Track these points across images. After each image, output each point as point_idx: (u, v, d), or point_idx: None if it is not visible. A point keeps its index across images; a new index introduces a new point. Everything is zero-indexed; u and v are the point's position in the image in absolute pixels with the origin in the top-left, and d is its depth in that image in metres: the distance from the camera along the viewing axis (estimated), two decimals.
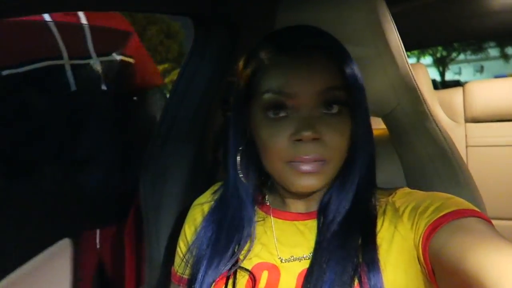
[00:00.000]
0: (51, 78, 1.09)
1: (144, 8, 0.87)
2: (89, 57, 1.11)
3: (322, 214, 0.60)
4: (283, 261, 0.58)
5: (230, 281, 0.58)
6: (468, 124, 1.79)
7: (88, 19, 1.12)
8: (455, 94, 1.81)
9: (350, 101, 0.55)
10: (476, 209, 0.50)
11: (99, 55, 1.11)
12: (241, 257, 0.60)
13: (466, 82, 1.97)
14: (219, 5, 0.81)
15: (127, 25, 1.23)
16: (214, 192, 0.70)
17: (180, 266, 0.67)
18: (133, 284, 1.02)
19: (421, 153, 0.78)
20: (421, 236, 0.50)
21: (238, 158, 0.62)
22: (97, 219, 1.16)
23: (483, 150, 1.70)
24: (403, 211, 0.55)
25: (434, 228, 0.48)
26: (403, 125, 0.79)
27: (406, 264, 0.52)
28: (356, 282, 0.51)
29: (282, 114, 0.55)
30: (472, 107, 1.75)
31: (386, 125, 0.84)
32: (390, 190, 0.61)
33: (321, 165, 0.54)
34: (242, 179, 0.62)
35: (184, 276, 0.67)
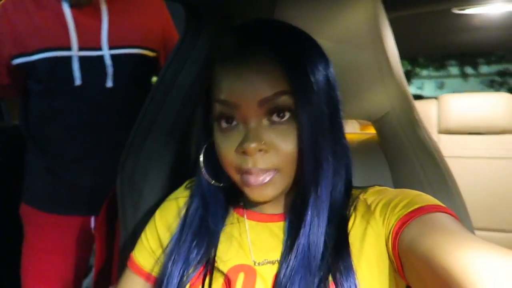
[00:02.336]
0: (57, 69, 1.05)
1: None
2: (100, 49, 1.07)
3: (290, 216, 0.59)
4: (257, 264, 0.57)
5: (206, 283, 0.56)
6: (441, 135, 1.84)
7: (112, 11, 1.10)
8: (430, 105, 1.86)
9: (298, 106, 0.52)
10: (443, 205, 0.51)
11: (111, 47, 1.08)
12: (217, 259, 0.58)
13: (427, 97, 2.08)
14: None
15: (163, 15, 1.20)
16: (188, 188, 0.68)
17: (149, 262, 0.65)
18: (100, 282, 0.97)
19: (412, 160, 0.78)
20: (391, 231, 0.51)
21: (201, 157, 0.61)
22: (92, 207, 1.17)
23: (454, 160, 1.75)
24: (375, 207, 0.55)
25: (403, 223, 0.49)
26: (395, 131, 0.79)
27: (378, 259, 0.52)
28: (328, 286, 0.51)
29: (234, 123, 0.54)
30: (447, 118, 1.80)
31: (377, 130, 0.83)
32: (361, 189, 0.61)
33: (272, 175, 0.54)
34: (208, 180, 0.61)
35: (152, 273, 0.64)
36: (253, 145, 0.52)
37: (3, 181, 1.40)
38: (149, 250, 0.66)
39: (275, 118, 0.53)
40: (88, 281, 1.85)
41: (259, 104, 0.52)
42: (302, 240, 0.53)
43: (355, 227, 0.56)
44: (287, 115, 0.53)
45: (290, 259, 0.53)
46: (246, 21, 0.58)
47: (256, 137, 0.52)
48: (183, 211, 0.65)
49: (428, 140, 0.78)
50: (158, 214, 0.68)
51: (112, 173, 1.10)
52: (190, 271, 0.58)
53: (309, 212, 0.53)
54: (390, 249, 0.51)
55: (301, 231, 0.53)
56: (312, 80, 0.53)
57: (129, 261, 0.67)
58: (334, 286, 0.51)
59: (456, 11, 1.42)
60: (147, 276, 0.65)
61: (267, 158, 0.53)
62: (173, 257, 0.59)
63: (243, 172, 0.54)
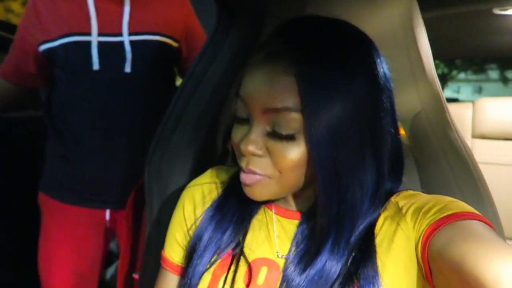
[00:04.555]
0: (77, 54, 1.08)
1: None
2: (120, 35, 1.09)
3: (308, 216, 0.58)
4: (280, 256, 0.57)
5: (232, 270, 0.57)
6: (475, 140, 1.78)
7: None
8: (465, 109, 1.81)
9: (306, 127, 0.49)
10: (478, 213, 0.49)
11: (131, 34, 1.09)
12: (245, 247, 0.58)
13: (462, 101, 2.01)
14: None
15: (186, 7, 1.22)
16: (215, 176, 0.68)
17: (175, 252, 0.65)
18: (125, 269, 0.99)
19: (441, 163, 0.76)
20: (422, 236, 0.50)
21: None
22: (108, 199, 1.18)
23: (487, 167, 1.69)
24: (407, 211, 0.54)
25: (434, 229, 0.48)
26: (425, 132, 0.77)
27: (407, 262, 0.51)
28: None
29: (246, 118, 0.53)
30: (481, 123, 1.74)
31: (406, 130, 0.81)
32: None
33: (261, 179, 0.53)
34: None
35: (178, 263, 0.65)
36: (248, 148, 0.51)
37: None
38: (178, 242, 0.66)
39: (279, 130, 0.50)
40: (112, 269, 1.90)
41: (264, 111, 0.51)
42: (318, 264, 0.51)
43: (384, 228, 0.55)
44: (290, 131, 0.50)
45: (294, 280, 0.52)
46: (293, 19, 0.55)
47: (253, 141, 0.52)
48: (211, 197, 0.65)
49: (460, 143, 0.76)
50: (184, 201, 0.68)
51: (127, 164, 1.14)
52: (216, 257, 0.58)
53: (327, 247, 0.52)
54: (420, 254, 0.50)
55: (318, 258, 0.52)
56: (332, 100, 0.48)
57: (162, 260, 0.68)
58: None
59: (497, 11, 1.37)
60: (181, 271, 0.66)
61: (260, 163, 0.52)
62: (202, 241, 0.59)
63: (240, 167, 0.55)
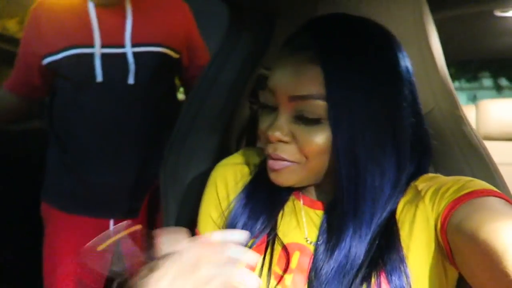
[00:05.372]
0: (80, 66, 1.08)
1: None
2: (123, 46, 1.09)
3: (332, 206, 0.59)
4: (309, 242, 0.58)
5: (268, 252, 0.58)
6: None
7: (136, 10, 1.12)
8: (468, 112, 1.82)
9: (329, 113, 0.51)
10: (497, 190, 0.50)
11: (134, 45, 1.10)
12: (279, 231, 0.60)
13: None
14: None
15: (187, 19, 1.22)
16: (247, 157, 0.69)
17: (209, 229, 0.66)
18: None
19: (457, 158, 0.76)
20: (440, 216, 0.50)
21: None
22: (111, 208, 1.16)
23: None
24: (425, 193, 0.54)
25: (452, 207, 0.49)
26: (440, 128, 0.78)
27: (429, 244, 0.52)
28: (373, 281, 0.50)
29: (272, 107, 0.56)
30: (486, 124, 1.76)
31: None
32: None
33: (289, 165, 0.55)
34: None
35: None
36: (275, 134, 0.53)
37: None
38: (214, 220, 0.66)
39: (305, 114, 0.52)
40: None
41: (290, 99, 0.53)
42: (343, 250, 0.52)
43: (404, 212, 0.55)
44: (314, 116, 0.52)
45: (323, 266, 0.53)
46: (319, 16, 0.58)
47: (280, 127, 0.54)
48: (243, 180, 0.66)
49: (475, 137, 0.77)
50: (216, 180, 0.68)
51: (132, 173, 1.13)
52: (252, 242, 0.59)
53: (349, 233, 0.53)
54: (439, 233, 0.50)
55: (342, 244, 0.53)
56: (355, 89, 0.51)
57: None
58: (384, 278, 0.51)
59: (498, 13, 1.39)
60: None
61: (287, 149, 0.54)
62: (237, 227, 0.60)
63: (267, 154, 0.56)
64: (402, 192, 0.56)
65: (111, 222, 1.19)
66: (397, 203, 0.56)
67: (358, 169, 0.52)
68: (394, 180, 0.54)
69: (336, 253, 0.52)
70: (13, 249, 1.53)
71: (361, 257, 0.52)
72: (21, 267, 1.51)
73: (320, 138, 0.52)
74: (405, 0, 0.73)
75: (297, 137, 0.53)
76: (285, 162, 0.54)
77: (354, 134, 0.51)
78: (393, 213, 0.55)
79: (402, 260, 0.51)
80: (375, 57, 0.53)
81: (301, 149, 0.53)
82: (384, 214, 0.54)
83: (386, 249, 0.52)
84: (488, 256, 0.39)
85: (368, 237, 0.53)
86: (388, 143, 0.53)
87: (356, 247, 0.52)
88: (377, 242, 0.53)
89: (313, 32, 0.54)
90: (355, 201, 0.53)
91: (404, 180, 0.56)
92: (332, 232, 0.55)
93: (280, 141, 0.54)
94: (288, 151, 0.54)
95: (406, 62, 0.57)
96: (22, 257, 1.50)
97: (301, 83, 0.52)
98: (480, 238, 0.41)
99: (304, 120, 0.53)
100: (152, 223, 1.00)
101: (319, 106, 0.51)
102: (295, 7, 0.81)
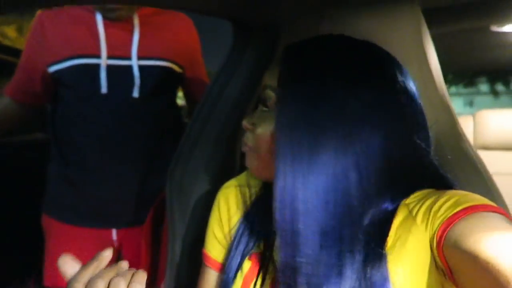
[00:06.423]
0: (85, 76, 1.09)
1: (178, 4, 0.86)
2: (129, 58, 1.10)
3: None
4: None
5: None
6: (478, 151, 1.82)
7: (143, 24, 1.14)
8: (466, 122, 1.84)
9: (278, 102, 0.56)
10: (494, 204, 0.48)
11: (140, 58, 1.11)
12: (274, 253, 0.60)
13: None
14: (261, 8, 0.81)
15: (192, 36, 1.25)
16: (250, 179, 0.71)
17: (215, 249, 0.69)
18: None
19: (457, 175, 0.77)
20: (435, 235, 0.48)
21: None
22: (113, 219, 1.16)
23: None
24: (417, 213, 0.52)
25: (449, 224, 0.46)
26: (439, 145, 0.79)
27: (423, 266, 0.50)
28: None
29: None
30: (483, 134, 1.78)
31: None
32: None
33: (248, 151, 0.62)
34: None
35: (217, 260, 0.69)
36: (244, 122, 0.62)
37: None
38: (218, 240, 0.69)
39: (264, 105, 0.60)
40: None
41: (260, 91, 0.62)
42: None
43: (394, 235, 0.53)
44: (271, 106, 0.59)
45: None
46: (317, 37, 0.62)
47: (250, 117, 0.62)
48: (245, 203, 0.68)
49: (473, 154, 0.78)
50: (219, 202, 0.71)
51: (134, 186, 1.14)
52: (246, 260, 0.62)
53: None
54: (436, 252, 0.48)
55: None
56: (293, 79, 0.55)
57: (203, 257, 0.71)
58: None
59: (494, 28, 1.41)
60: (220, 268, 0.69)
61: (249, 136, 0.62)
62: (237, 241, 0.64)
63: None
64: (393, 213, 0.54)
65: (114, 231, 1.19)
66: (388, 222, 0.53)
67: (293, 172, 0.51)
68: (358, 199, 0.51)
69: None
70: (14, 261, 1.53)
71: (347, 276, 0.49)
72: (22, 278, 1.52)
73: (267, 125, 0.58)
74: (404, 20, 0.75)
75: (258, 124, 0.60)
76: (246, 147, 0.62)
77: (290, 119, 0.52)
78: (381, 232, 0.52)
79: (386, 281, 0.49)
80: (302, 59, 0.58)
81: (257, 135, 0.60)
82: (361, 231, 0.51)
83: (370, 268, 0.49)
84: (492, 274, 0.39)
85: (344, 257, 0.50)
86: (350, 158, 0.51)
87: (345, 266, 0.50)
88: (361, 260, 0.50)
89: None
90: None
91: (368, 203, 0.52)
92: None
93: (247, 129, 0.62)
94: (249, 138, 0.62)
95: (407, 80, 0.58)
96: (23, 269, 1.50)
97: (266, 75, 0.62)
98: (481, 256, 0.40)
99: (265, 110, 0.60)
100: (158, 233, 1.01)
101: (269, 95, 0.59)
102: (298, 24, 0.83)
